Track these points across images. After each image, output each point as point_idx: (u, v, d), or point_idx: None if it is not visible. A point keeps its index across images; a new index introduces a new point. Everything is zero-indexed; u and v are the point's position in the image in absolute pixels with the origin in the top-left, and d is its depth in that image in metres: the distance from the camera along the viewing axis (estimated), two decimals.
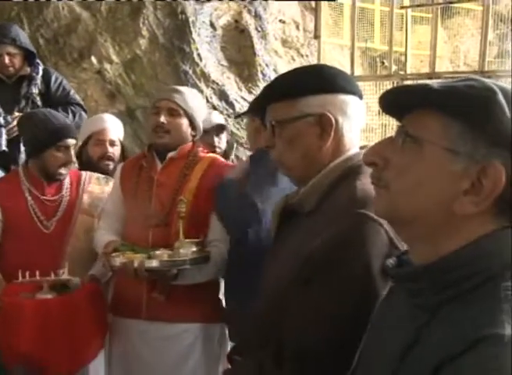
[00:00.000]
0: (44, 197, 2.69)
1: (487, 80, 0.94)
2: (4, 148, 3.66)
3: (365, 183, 1.29)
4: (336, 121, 1.43)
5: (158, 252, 2.26)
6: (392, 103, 1.04)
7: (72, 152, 2.69)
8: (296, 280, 1.34)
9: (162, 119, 2.45)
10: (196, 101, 2.57)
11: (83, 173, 2.87)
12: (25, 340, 2.30)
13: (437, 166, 0.93)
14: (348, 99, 1.45)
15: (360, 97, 1.50)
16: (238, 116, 4.61)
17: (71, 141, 2.65)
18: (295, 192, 1.59)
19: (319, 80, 1.45)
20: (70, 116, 3.81)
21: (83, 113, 3.95)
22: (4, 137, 3.67)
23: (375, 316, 1.15)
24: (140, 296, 2.46)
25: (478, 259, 0.90)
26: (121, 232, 2.57)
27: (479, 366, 0.79)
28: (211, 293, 2.56)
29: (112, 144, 3.15)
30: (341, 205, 1.34)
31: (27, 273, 2.37)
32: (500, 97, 0.90)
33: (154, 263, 2.21)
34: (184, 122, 2.51)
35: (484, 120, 0.90)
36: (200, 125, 2.61)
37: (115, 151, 3.16)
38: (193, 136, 2.60)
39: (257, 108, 1.56)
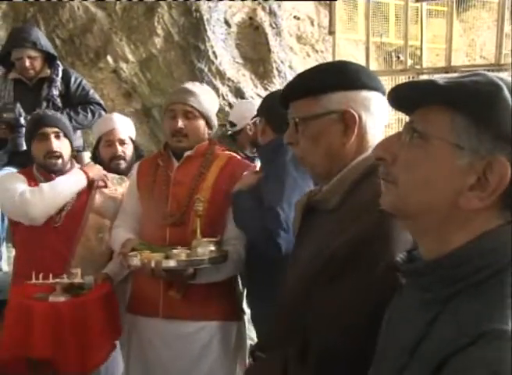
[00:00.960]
0: None
1: (493, 76, 0.95)
2: (24, 147, 3.70)
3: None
4: (360, 117, 1.43)
5: (175, 251, 2.25)
6: (400, 99, 1.06)
7: (57, 141, 2.69)
8: (321, 277, 1.34)
9: (180, 124, 2.46)
10: (209, 99, 2.58)
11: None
12: (36, 343, 2.31)
13: (443, 161, 0.94)
14: (371, 95, 1.45)
15: (384, 93, 1.49)
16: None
17: (49, 129, 2.67)
18: (318, 189, 1.59)
19: (342, 77, 1.45)
20: (89, 115, 3.84)
21: (102, 112, 3.98)
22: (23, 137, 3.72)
23: (389, 311, 1.16)
24: (157, 295, 2.47)
25: (484, 254, 0.91)
26: (138, 230, 2.58)
27: (482, 360, 0.80)
28: (228, 290, 2.56)
29: (122, 143, 3.16)
30: (365, 203, 1.34)
31: (41, 275, 2.38)
32: (506, 92, 0.91)
33: (172, 263, 2.21)
34: (201, 123, 2.53)
35: (489, 115, 0.91)
36: (215, 121, 2.62)
37: (125, 150, 3.17)
38: (209, 134, 2.61)
39: (282, 104, 1.56)
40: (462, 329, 0.86)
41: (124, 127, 3.24)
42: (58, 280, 2.42)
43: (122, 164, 3.13)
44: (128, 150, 3.20)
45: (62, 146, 2.71)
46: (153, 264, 2.20)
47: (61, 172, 2.73)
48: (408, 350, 0.95)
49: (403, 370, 0.95)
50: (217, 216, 2.44)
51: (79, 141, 3.97)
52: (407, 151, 0.99)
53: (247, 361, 2.61)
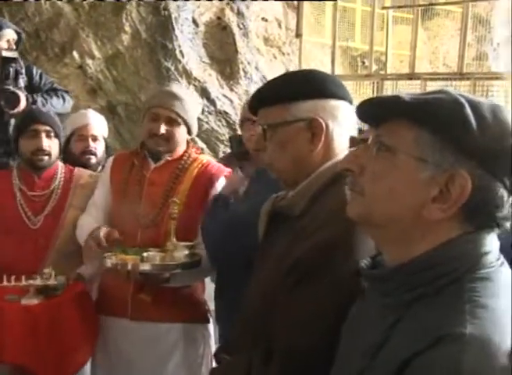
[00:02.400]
0: (33, 192, 2.68)
1: (456, 93, 1.00)
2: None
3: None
4: (327, 126, 1.46)
5: (150, 254, 2.24)
6: (367, 113, 1.10)
7: (48, 140, 2.65)
8: (286, 281, 1.36)
9: (163, 129, 2.43)
10: (193, 105, 2.56)
11: (76, 168, 2.85)
12: (10, 348, 2.26)
13: (408, 173, 0.99)
14: (338, 104, 1.48)
15: (350, 102, 1.52)
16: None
17: (41, 127, 2.62)
18: (283, 195, 1.62)
19: (310, 86, 1.47)
20: (61, 100, 3.77)
21: (70, 100, 3.94)
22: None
23: (351, 316, 1.19)
24: (126, 296, 2.46)
25: (444, 262, 0.97)
26: (105, 223, 2.55)
27: (442, 362, 0.84)
28: (195, 294, 2.57)
29: (95, 139, 3.17)
30: (331, 210, 1.36)
31: (13, 277, 2.33)
32: (467, 109, 0.96)
33: (148, 267, 2.20)
34: (183, 130, 2.50)
35: (451, 132, 0.96)
36: (196, 127, 2.59)
37: (97, 146, 3.18)
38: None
39: (250, 110, 1.58)
40: (422, 332, 0.90)
41: (98, 124, 3.25)
42: (31, 281, 2.36)
43: (93, 159, 3.13)
44: (99, 147, 3.20)
45: (51, 145, 2.67)
46: (129, 267, 2.19)
47: (45, 169, 2.70)
48: (369, 353, 0.99)
49: (365, 372, 0.99)
50: (191, 219, 2.42)
51: None
52: (374, 163, 1.03)
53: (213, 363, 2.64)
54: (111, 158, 2.75)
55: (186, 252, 2.27)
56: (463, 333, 0.86)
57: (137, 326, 2.47)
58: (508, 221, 0.99)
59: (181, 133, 2.50)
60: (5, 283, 2.33)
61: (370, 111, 1.09)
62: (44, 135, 2.63)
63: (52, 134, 2.66)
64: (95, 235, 2.37)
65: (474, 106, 0.97)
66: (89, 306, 2.52)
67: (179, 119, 2.46)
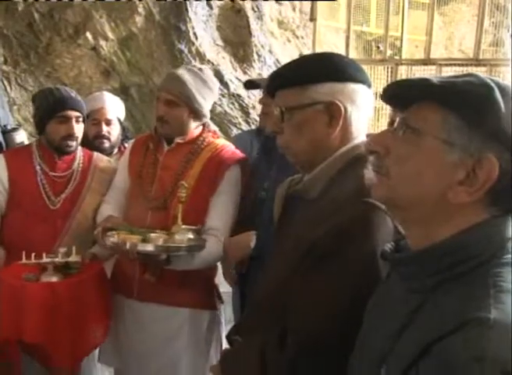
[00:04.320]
0: (54, 173, 2.67)
1: (485, 77, 0.99)
2: None
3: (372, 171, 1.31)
4: (345, 109, 1.44)
5: (153, 235, 2.24)
6: (394, 95, 1.09)
7: (77, 125, 2.63)
8: (302, 265, 1.36)
9: (160, 111, 2.44)
10: (199, 88, 2.47)
11: (95, 153, 2.85)
12: (30, 326, 2.25)
13: (434, 156, 0.98)
14: (357, 88, 1.47)
15: (369, 86, 1.51)
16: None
17: (71, 113, 2.60)
18: (299, 178, 1.61)
19: (330, 69, 1.46)
20: None
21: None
22: None
23: (374, 299, 1.19)
24: (133, 276, 2.48)
25: (469, 246, 0.96)
26: (124, 206, 2.58)
27: (465, 347, 0.84)
28: (205, 279, 2.56)
29: (108, 123, 3.17)
30: (348, 193, 1.36)
31: (33, 255, 2.32)
32: (497, 93, 0.95)
33: (146, 247, 2.19)
34: (184, 112, 2.46)
35: (480, 115, 0.95)
36: (206, 110, 2.53)
37: (111, 130, 3.17)
38: (201, 122, 2.56)
39: (268, 92, 1.56)
40: (446, 317, 0.90)
41: (113, 107, 3.23)
42: (50, 259, 2.35)
43: (106, 143, 3.13)
44: (114, 130, 3.20)
45: (79, 130, 2.66)
46: (128, 246, 2.18)
47: (71, 153, 2.70)
48: (393, 336, 0.99)
49: (387, 356, 0.99)
50: (200, 203, 2.43)
51: (6, 119, 3.78)
52: (400, 145, 1.03)
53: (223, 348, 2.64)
54: (130, 142, 2.76)
55: (190, 236, 2.26)
56: (487, 318, 0.86)
57: (143, 306, 2.49)
58: None
59: (181, 114, 2.46)
60: (24, 260, 2.32)
61: (397, 93, 1.08)
62: (74, 121, 2.62)
63: (81, 119, 2.66)
64: (102, 224, 2.42)
65: (503, 90, 0.96)
66: (106, 286, 2.53)
67: (179, 101, 2.43)
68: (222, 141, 2.62)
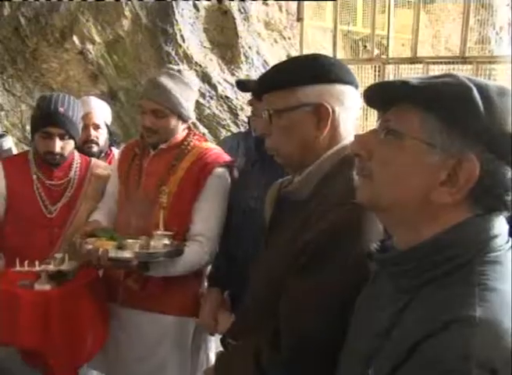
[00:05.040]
0: (51, 182, 2.65)
1: (463, 77, 1.00)
2: None
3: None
4: (333, 111, 1.45)
5: (129, 242, 2.22)
6: (375, 98, 1.10)
7: (61, 142, 2.56)
8: (293, 266, 1.37)
9: (148, 122, 2.40)
10: (183, 93, 2.44)
11: (93, 159, 2.83)
12: (22, 333, 2.23)
13: (416, 158, 0.99)
14: (345, 89, 1.48)
15: (356, 86, 1.52)
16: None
17: (54, 130, 2.52)
18: (289, 179, 1.62)
19: (317, 70, 1.47)
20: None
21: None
22: None
23: (362, 298, 1.20)
24: (118, 282, 2.48)
25: (453, 245, 0.97)
26: (116, 211, 2.57)
27: (451, 345, 0.85)
28: (190, 286, 2.53)
29: (96, 127, 3.18)
30: (338, 195, 1.37)
31: (26, 262, 2.30)
32: (474, 93, 0.96)
33: (117, 253, 2.18)
34: (172, 120, 2.43)
35: (458, 116, 0.96)
36: (190, 112, 2.52)
37: (98, 134, 3.19)
38: (187, 124, 2.55)
39: (255, 95, 1.57)
40: (432, 316, 0.91)
41: (100, 112, 3.24)
42: (44, 266, 2.33)
43: (94, 148, 3.15)
44: (102, 135, 3.21)
45: (65, 146, 2.60)
46: (100, 252, 2.17)
47: (59, 166, 2.66)
48: (381, 335, 1.00)
49: (376, 354, 1.00)
50: (182, 209, 2.40)
51: None
52: (382, 148, 1.04)
53: (211, 355, 2.63)
54: (120, 149, 2.75)
55: (166, 242, 2.24)
56: (472, 317, 0.87)
57: (127, 313, 2.48)
58: None
59: (169, 123, 2.43)
60: (18, 268, 2.30)
61: (377, 95, 1.09)
62: (57, 138, 2.55)
63: (66, 137, 2.58)
64: (82, 229, 2.39)
65: (482, 89, 0.97)
66: (101, 293, 2.51)
67: (166, 110, 2.40)
68: (207, 145, 2.58)
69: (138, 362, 2.48)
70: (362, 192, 1.09)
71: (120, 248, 2.21)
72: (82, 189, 2.69)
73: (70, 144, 2.64)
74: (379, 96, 1.08)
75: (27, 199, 2.60)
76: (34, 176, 2.64)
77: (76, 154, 2.77)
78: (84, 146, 3.11)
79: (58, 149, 2.56)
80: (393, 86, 1.05)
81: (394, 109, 1.04)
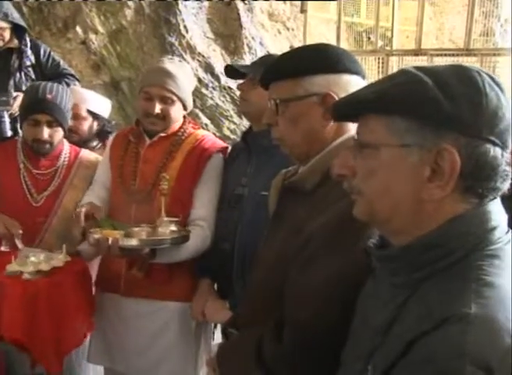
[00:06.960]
0: (37, 171, 2.65)
1: (415, 70, 1.00)
2: (8, 134, 3.69)
3: None
4: None
5: (136, 229, 2.21)
6: (340, 114, 1.14)
7: (49, 129, 2.57)
8: (298, 257, 1.36)
9: (157, 109, 2.41)
10: (187, 81, 2.50)
11: (82, 150, 2.82)
12: (7, 323, 2.22)
13: (396, 163, 0.99)
14: (352, 79, 1.46)
15: (364, 77, 1.51)
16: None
17: (41, 117, 2.53)
18: (294, 169, 1.60)
19: (324, 60, 1.46)
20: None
21: (77, 83, 3.92)
22: (7, 124, 3.70)
23: (363, 293, 1.20)
24: (119, 272, 2.47)
25: (450, 240, 0.96)
26: (106, 200, 2.55)
27: (445, 342, 0.85)
28: (191, 272, 2.52)
29: (77, 117, 3.10)
30: (343, 186, 1.36)
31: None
32: (429, 84, 0.95)
33: (128, 241, 2.17)
34: (178, 107, 2.47)
35: (420, 110, 0.96)
36: (191, 101, 2.56)
37: (79, 125, 3.12)
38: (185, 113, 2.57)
39: (262, 84, 1.56)
40: (429, 312, 0.90)
41: (82, 101, 3.17)
42: (33, 259, 2.32)
43: (74, 137, 3.07)
44: (83, 125, 3.16)
45: (53, 134, 2.60)
46: (110, 242, 2.17)
47: (47, 155, 2.66)
48: (381, 331, 1.00)
49: (376, 349, 1.00)
50: (184, 195, 2.42)
51: None
52: (362, 163, 1.04)
53: (213, 341, 2.63)
54: (111, 137, 2.74)
55: (173, 228, 2.24)
56: (467, 314, 0.86)
57: (129, 302, 2.48)
58: (509, 177, 0.98)
59: (176, 110, 2.47)
60: (2, 248, 2.32)
61: (342, 111, 1.12)
62: (45, 126, 2.56)
63: (54, 124, 2.58)
64: (77, 212, 2.36)
65: (438, 77, 0.96)
66: (88, 284, 2.51)
67: (174, 97, 2.43)
68: (202, 132, 2.62)
69: (141, 352, 2.48)
70: (357, 210, 1.09)
71: (127, 236, 2.20)
72: (67, 178, 2.69)
73: (59, 133, 2.64)
74: (343, 112, 1.12)
75: (13, 187, 2.61)
76: (21, 165, 2.65)
77: (66, 144, 2.76)
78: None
79: (46, 136, 2.57)
80: (350, 101, 1.08)
81: (361, 122, 1.06)
